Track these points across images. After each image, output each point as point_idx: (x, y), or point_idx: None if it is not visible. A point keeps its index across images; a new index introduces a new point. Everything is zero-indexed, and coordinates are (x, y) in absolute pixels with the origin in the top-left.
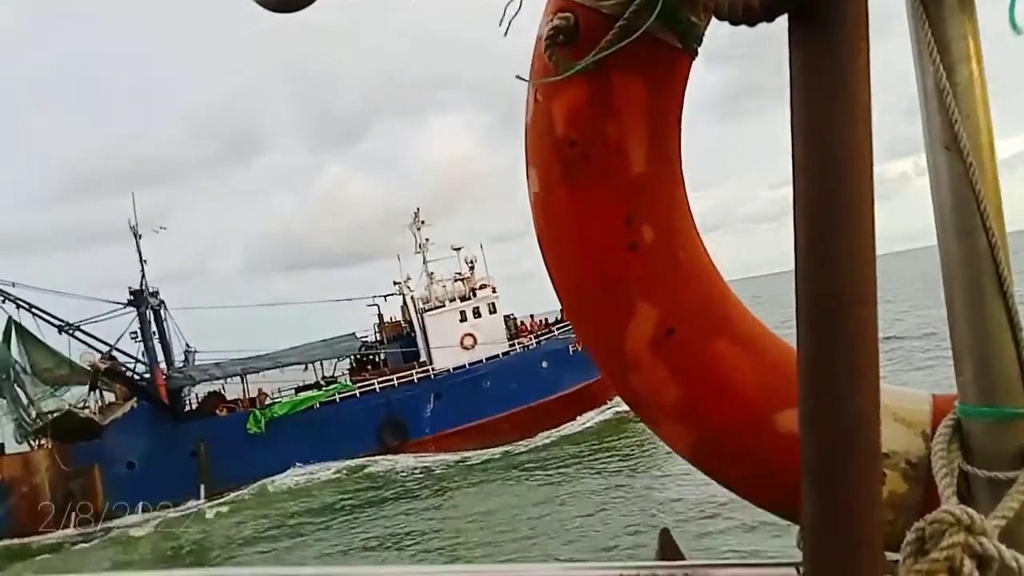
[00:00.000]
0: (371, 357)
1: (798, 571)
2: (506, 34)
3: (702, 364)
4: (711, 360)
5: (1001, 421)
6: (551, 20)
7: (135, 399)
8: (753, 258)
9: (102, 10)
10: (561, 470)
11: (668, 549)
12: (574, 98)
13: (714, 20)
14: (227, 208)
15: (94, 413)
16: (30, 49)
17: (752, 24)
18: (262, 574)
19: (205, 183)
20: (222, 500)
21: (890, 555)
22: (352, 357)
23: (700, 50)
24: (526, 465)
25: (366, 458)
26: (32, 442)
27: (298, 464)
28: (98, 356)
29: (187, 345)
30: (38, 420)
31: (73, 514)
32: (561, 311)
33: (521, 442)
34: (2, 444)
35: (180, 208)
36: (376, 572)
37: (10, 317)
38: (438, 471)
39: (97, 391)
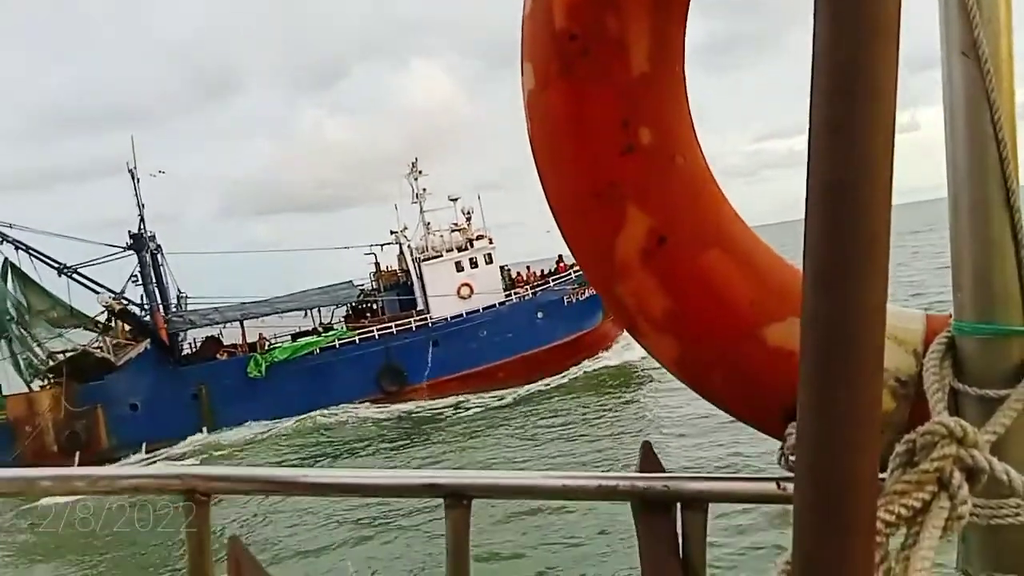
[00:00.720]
0: (368, 305)
1: (778, 485)
2: None
3: (693, 274)
4: (702, 270)
5: (996, 338)
6: None
7: (148, 341)
8: None
9: None
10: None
11: (649, 461)
12: None
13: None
14: (201, 150)
15: (108, 353)
16: None
17: None
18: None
19: (178, 124)
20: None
21: None
22: (348, 305)
23: None
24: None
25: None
26: (43, 381)
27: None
28: (111, 297)
29: (179, 290)
30: (49, 360)
31: (77, 453)
32: (559, 260)
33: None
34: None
35: (152, 150)
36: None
37: (6, 258)
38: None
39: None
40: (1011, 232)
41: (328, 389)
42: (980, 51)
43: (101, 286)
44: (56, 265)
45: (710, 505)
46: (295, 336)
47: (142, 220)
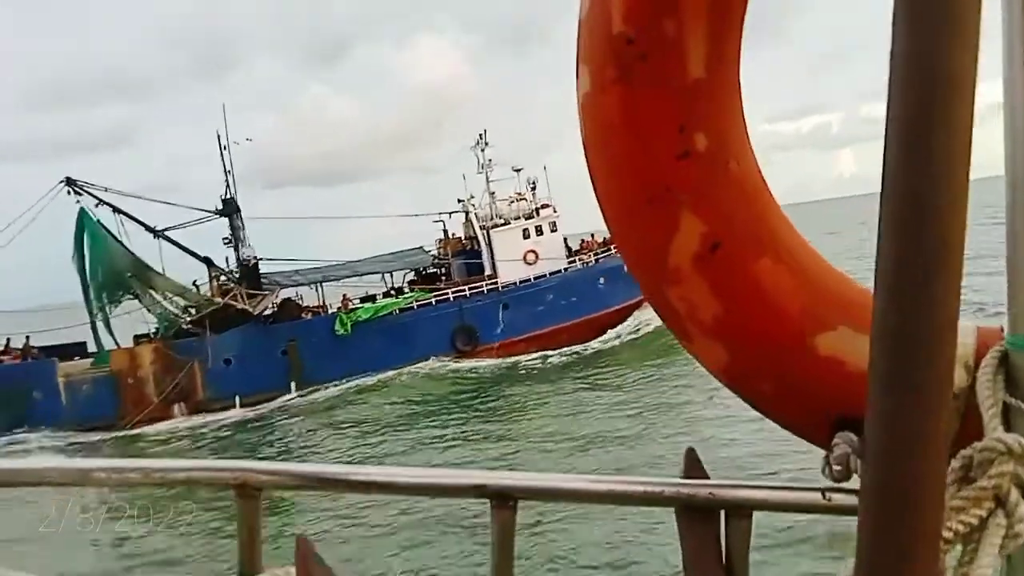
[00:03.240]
0: (435, 271)
1: (823, 496)
2: None
3: (745, 281)
4: (755, 277)
5: None
6: None
7: (276, 296)
8: None
9: None
10: None
11: (693, 468)
12: None
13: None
14: (203, 123)
15: (246, 304)
16: None
17: None
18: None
19: (180, 97)
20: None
21: None
22: (415, 270)
23: None
24: None
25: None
26: (187, 329)
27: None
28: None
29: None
30: (186, 312)
31: (177, 405)
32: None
33: None
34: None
35: (154, 122)
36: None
37: (85, 218)
38: None
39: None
40: None
41: (407, 347)
42: None
43: (186, 249)
44: (150, 228)
45: (754, 513)
46: (364, 299)
47: (231, 185)
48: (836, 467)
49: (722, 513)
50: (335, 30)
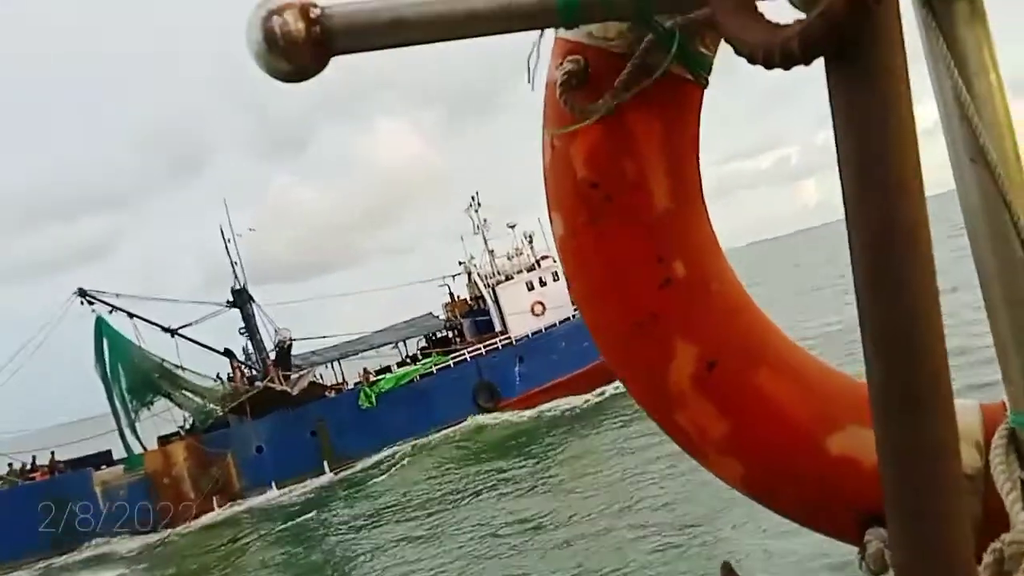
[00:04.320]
0: (444, 334)
1: None
2: (532, 88)
3: (747, 396)
4: (756, 391)
5: None
6: (561, 64)
7: (307, 374)
8: None
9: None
10: None
11: None
12: (591, 140)
13: (721, 51)
14: (177, 227)
15: (286, 386)
16: None
17: (787, 68)
18: None
19: (152, 204)
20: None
21: None
22: (424, 336)
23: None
24: None
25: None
26: (220, 419)
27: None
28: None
29: (286, 336)
30: (222, 402)
31: (215, 497)
32: None
33: None
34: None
35: (129, 231)
36: None
37: (104, 326)
38: None
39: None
40: None
41: (432, 411)
42: (988, 156)
43: (204, 345)
44: (165, 328)
45: None
46: (380, 371)
47: (242, 275)
48: (871, 564)
49: None
50: (296, 118)
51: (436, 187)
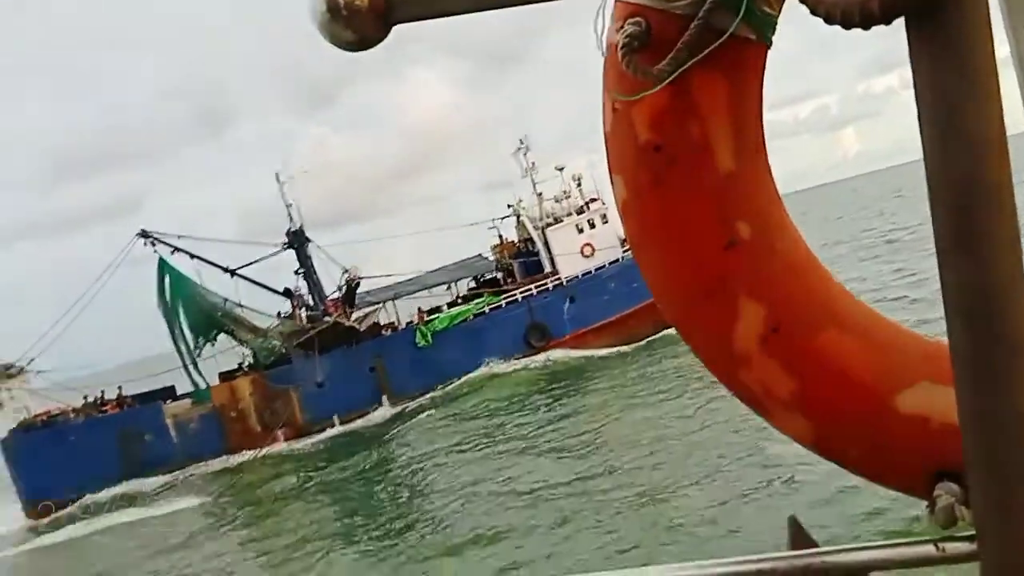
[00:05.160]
0: (492, 275)
1: (936, 547)
2: (603, 54)
3: (814, 355)
4: (822, 349)
5: None
6: (622, 27)
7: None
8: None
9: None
10: None
11: (799, 538)
12: (654, 103)
13: (786, 9)
14: (209, 182)
15: (354, 324)
16: None
17: (867, 28)
18: None
19: (184, 160)
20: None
21: None
22: (474, 277)
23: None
24: None
25: None
26: (283, 356)
27: None
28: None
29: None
30: (291, 337)
31: (279, 430)
32: None
33: None
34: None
35: (163, 184)
36: None
37: (166, 267)
38: None
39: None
40: None
41: (484, 349)
42: None
43: (264, 285)
44: (225, 268)
45: (871, 574)
46: (431, 311)
47: (297, 218)
48: (941, 518)
49: None
50: (326, 70)
51: (468, 137)
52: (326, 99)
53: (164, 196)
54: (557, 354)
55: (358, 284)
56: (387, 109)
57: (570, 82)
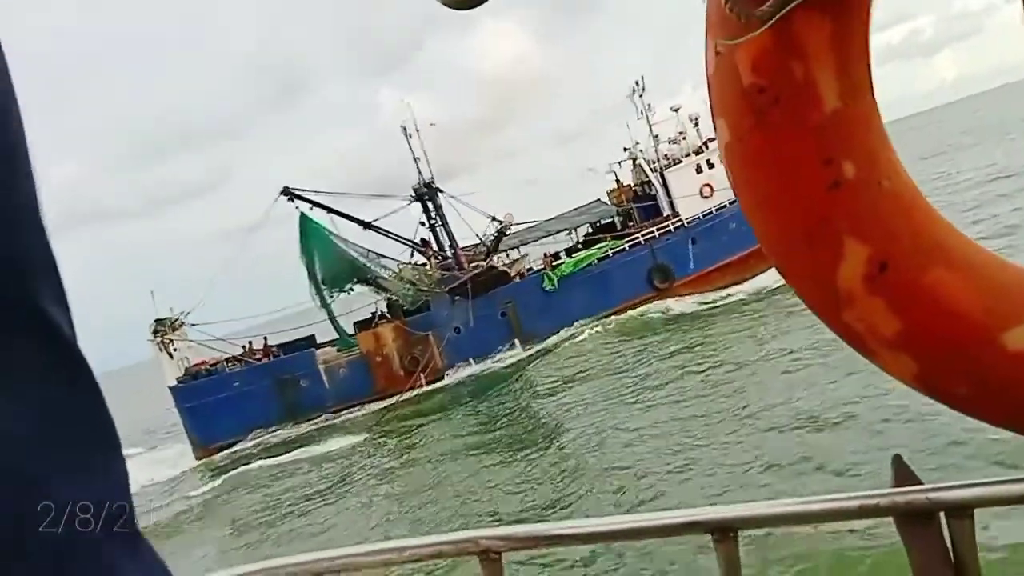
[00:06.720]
0: (609, 220)
1: None
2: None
3: (919, 293)
4: (929, 289)
5: None
6: None
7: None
8: None
9: None
10: None
11: (904, 474)
12: (758, 45)
13: None
14: (290, 150)
15: (508, 267)
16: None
17: None
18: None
19: (264, 130)
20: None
21: None
22: (591, 223)
23: None
24: None
25: None
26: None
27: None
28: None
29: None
30: (439, 283)
31: (422, 374)
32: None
33: None
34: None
35: (245, 156)
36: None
37: (307, 221)
38: None
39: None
40: None
41: (610, 292)
42: None
43: (399, 237)
44: (360, 221)
45: (976, 511)
46: (553, 256)
47: (419, 172)
48: None
49: (942, 516)
50: (396, 31)
51: (544, 87)
52: (401, 60)
53: (250, 167)
54: (676, 306)
55: (508, 228)
56: (461, 65)
57: (647, 29)
